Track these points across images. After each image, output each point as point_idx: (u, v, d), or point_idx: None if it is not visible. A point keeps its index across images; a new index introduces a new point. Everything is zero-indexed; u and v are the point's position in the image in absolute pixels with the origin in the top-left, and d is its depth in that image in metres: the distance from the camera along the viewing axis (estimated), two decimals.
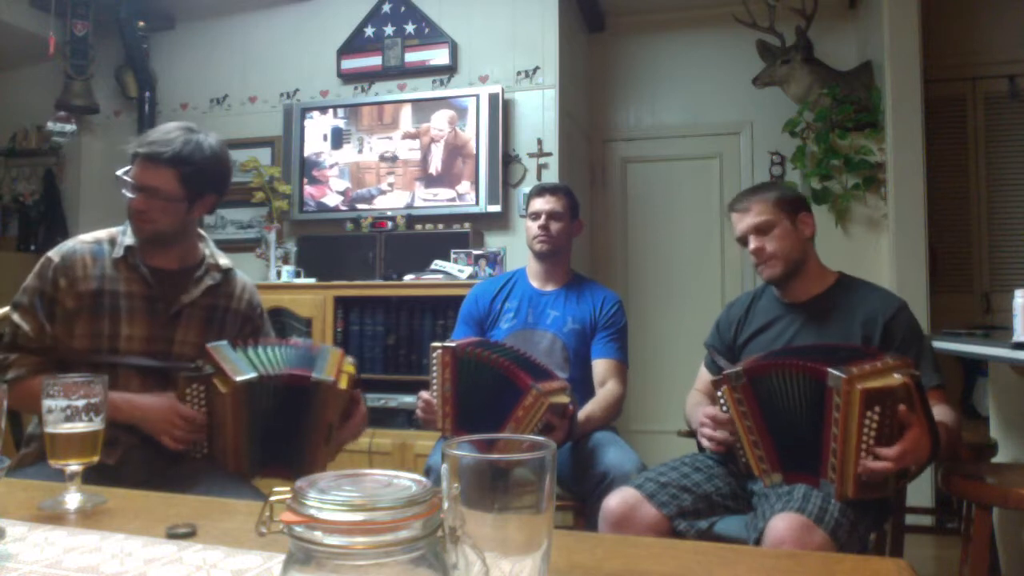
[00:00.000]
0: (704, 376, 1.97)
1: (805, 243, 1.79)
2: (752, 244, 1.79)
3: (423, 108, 3.72)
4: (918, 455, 1.40)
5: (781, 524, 1.42)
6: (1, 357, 1.56)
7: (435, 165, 3.67)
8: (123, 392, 1.53)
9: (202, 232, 1.77)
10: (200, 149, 1.62)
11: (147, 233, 1.61)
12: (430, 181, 3.67)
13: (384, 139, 3.77)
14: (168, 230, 1.62)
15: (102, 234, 1.68)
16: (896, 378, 1.40)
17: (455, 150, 3.64)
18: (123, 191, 1.60)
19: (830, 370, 1.43)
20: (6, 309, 1.63)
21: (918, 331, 1.72)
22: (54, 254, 1.61)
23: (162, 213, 1.59)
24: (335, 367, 1.61)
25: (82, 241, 1.64)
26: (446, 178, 3.65)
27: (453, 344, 1.87)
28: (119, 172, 1.60)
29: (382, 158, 3.74)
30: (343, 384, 1.59)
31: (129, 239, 1.64)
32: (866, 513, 1.52)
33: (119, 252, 1.62)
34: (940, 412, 1.59)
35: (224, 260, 1.76)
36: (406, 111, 3.74)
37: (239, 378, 1.50)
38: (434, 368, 1.88)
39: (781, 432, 1.54)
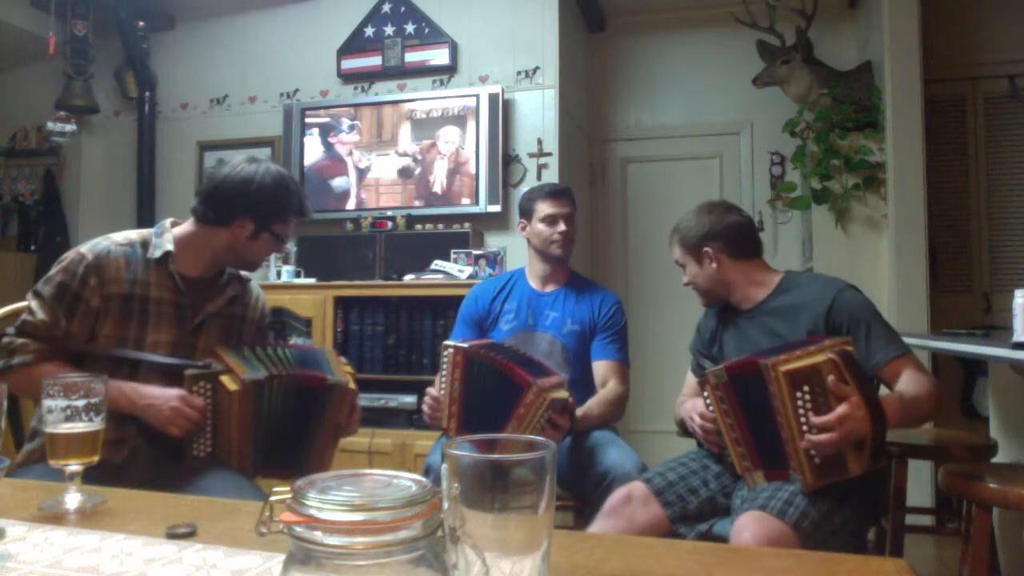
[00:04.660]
0: (691, 381, 2.00)
1: (716, 273, 1.84)
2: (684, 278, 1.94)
3: (423, 126, 3.71)
4: (856, 423, 1.40)
5: (741, 522, 1.45)
6: (7, 341, 1.54)
7: (439, 182, 3.67)
8: (131, 382, 1.53)
9: None
10: (220, 175, 1.64)
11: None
12: (432, 197, 3.68)
13: (382, 156, 3.77)
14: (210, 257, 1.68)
15: (133, 235, 1.66)
16: (821, 356, 1.43)
17: (457, 165, 3.65)
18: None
19: (759, 361, 1.47)
20: (23, 304, 1.61)
21: (864, 308, 1.69)
22: (87, 251, 1.58)
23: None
24: (340, 367, 1.64)
25: (116, 243, 1.62)
26: (449, 194, 3.65)
27: (465, 345, 1.86)
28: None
29: (400, 171, 3.73)
30: (351, 385, 1.62)
31: (168, 244, 1.63)
32: (842, 502, 1.53)
33: (154, 254, 1.61)
34: (908, 380, 1.57)
35: (244, 271, 1.78)
36: (405, 128, 3.74)
37: (248, 376, 1.51)
38: (444, 366, 1.88)
39: (759, 430, 1.56)
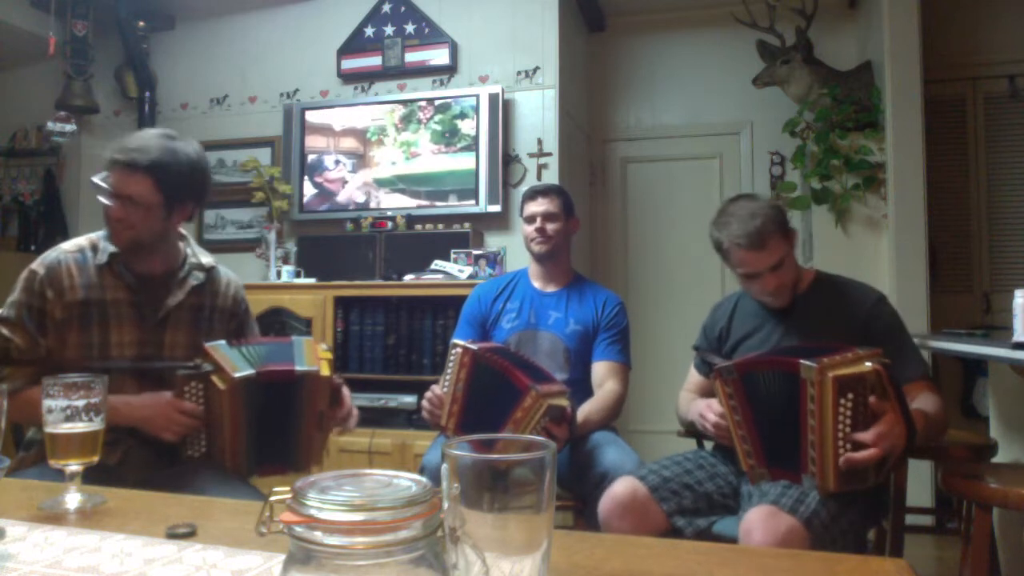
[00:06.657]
0: (694, 377, 1.99)
1: (795, 265, 1.78)
2: (770, 282, 1.72)
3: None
4: (894, 441, 1.42)
5: (752, 516, 1.45)
6: None
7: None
8: (120, 395, 1.53)
9: (183, 232, 1.75)
10: (177, 156, 1.58)
11: (125, 241, 1.59)
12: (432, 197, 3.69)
13: (389, 193, 3.76)
14: (147, 238, 1.60)
15: (83, 241, 1.66)
16: (867, 366, 1.43)
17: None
18: (100, 198, 1.57)
19: (802, 361, 1.46)
20: None
21: (898, 322, 1.73)
22: (38, 266, 1.59)
23: (140, 221, 1.56)
24: (313, 355, 1.62)
25: (65, 251, 1.62)
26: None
27: (474, 347, 1.87)
28: (95, 178, 1.57)
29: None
30: (325, 371, 1.60)
31: (112, 246, 1.62)
32: (850, 505, 1.53)
33: (102, 259, 1.61)
34: (925, 400, 1.62)
35: (206, 258, 1.75)
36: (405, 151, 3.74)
37: (237, 374, 1.50)
38: (450, 365, 1.88)
39: (768, 428, 1.56)
